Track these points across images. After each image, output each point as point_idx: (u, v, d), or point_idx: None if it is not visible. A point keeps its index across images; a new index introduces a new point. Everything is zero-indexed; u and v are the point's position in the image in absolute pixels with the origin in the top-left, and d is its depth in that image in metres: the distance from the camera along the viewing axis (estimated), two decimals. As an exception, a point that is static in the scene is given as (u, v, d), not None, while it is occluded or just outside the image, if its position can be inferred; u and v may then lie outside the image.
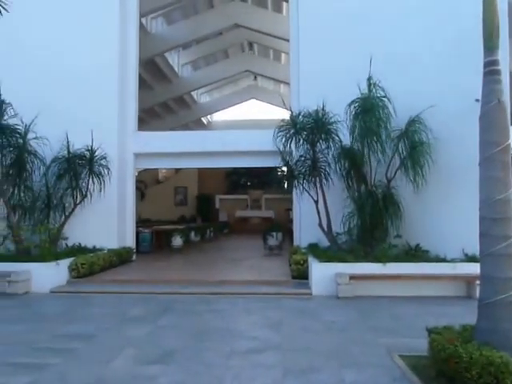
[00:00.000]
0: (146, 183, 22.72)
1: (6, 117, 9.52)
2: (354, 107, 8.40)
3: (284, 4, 15.72)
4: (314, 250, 8.82)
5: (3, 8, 6.42)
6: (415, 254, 8.25)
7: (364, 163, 8.35)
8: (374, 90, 8.37)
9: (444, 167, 8.67)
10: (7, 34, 10.20)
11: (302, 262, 8.26)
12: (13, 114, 9.48)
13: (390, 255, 7.88)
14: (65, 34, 10.64)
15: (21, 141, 9.56)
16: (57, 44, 10.61)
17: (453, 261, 7.77)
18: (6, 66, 9.79)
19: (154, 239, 13.82)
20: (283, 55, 21.07)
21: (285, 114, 9.39)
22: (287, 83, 16.72)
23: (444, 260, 7.87)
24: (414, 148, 8.21)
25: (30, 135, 9.65)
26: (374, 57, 8.32)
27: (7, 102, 9.50)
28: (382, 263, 7.53)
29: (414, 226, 8.59)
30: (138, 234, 12.39)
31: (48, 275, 8.09)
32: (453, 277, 7.39)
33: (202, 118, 28.34)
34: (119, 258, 10.26)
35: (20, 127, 9.58)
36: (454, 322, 4.10)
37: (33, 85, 10.33)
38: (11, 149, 9.55)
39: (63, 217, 9.90)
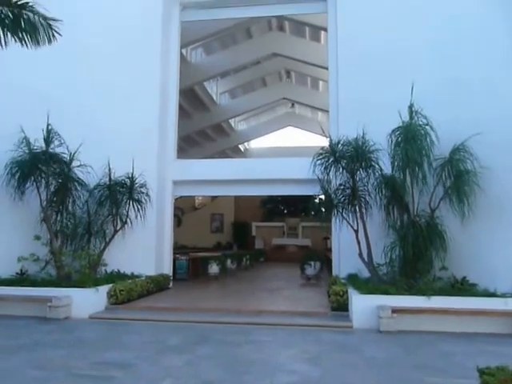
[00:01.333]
0: (182, 210, 22.96)
1: (52, 145, 9.89)
2: (395, 136, 8.25)
3: (322, 33, 15.87)
4: (354, 280, 8.58)
5: (56, 32, 6.72)
6: (462, 287, 7.86)
7: (406, 192, 8.12)
8: (415, 118, 8.22)
9: (493, 197, 8.30)
10: (58, 73, 10.71)
11: (341, 293, 8.00)
12: (60, 143, 9.85)
13: (434, 288, 7.53)
14: (111, 68, 10.95)
15: (65, 168, 9.87)
16: (102, 78, 10.90)
17: (504, 296, 7.35)
18: (57, 100, 10.33)
19: (191, 266, 13.83)
20: (321, 83, 21.17)
21: (322, 142, 9.33)
22: (325, 110, 16.75)
23: (494, 295, 7.44)
24: (458, 177, 7.93)
25: (75, 163, 9.93)
26: (415, 84, 8.22)
27: (55, 131, 9.90)
28: (426, 296, 7.20)
29: (460, 258, 8.22)
30: (174, 260, 12.44)
31: (87, 301, 8.16)
32: (504, 313, 6.97)
33: (240, 145, 28.65)
34: (157, 285, 10.28)
35: (65, 155, 9.89)
36: (507, 363, 3.82)
37: (79, 114, 10.66)
38: (56, 176, 9.87)
39: (103, 243, 10.04)
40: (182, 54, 14.40)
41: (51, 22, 6.51)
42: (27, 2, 6.30)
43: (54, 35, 6.59)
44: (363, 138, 8.45)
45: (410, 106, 8.27)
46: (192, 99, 19.13)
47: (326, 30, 11.93)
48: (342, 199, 8.79)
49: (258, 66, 20.20)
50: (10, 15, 6.12)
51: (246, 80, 21.86)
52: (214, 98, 21.52)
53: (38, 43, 6.44)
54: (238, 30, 16.41)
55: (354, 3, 9.98)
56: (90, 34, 10.89)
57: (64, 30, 6.73)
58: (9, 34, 6.16)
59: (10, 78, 10.65)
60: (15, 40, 6.15)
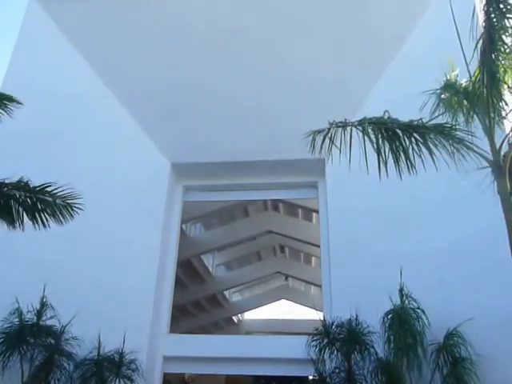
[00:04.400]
0: (171, 383, 21.45)
1: (44, 317, 9.82)
2: (388, 319, 8.34)
3: (314, 214, 16.99)
4: None
5: (76, 209, 7.07)
6: None
7: (403, 379, 7.88)
8: (406, 302, 8.40)
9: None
10: (59, 241, 11.16)
11: None
12: (52, 315, 9.78)
13: None
14: (111, 241, 11.32)
15: (54, 342, 9.63)
16: (102, 249, 11.23)
17: None
18: (56, 266, 10.60)
19: None
20: (313, 258, 21.83)
21: (316, 315, 9.35)
22: (318, 285, 16.98)
23: None
24: (455, 365, 7.77)
25: (65, 335, 9.72)
26: (404, 266, 8.56)
27: (48, 303, 9.91)
28: None
29: None
30: None
31: None
32: None
33: (233, 317, 28.12)
34: None
35: (56, 327, 9.73)
36: None
37: (74, 288, 10.77)
38: (43, 349, 9.57)
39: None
40: (181, 228, 15.21)
41: (70, 201, 6.89)
42: (46, 187, 6.89)
43: (71, 214, 7.05)
44: (357, 319, 8.53)
45: (400, 290, 8.51)
46: (189, 271, 19.44)
47: (317, 212, 12.87)
48: (338, 382, 8.48)
49: (254, 241, 21.08)
50: (29, 200, 6.64)
51: (242, 254, 22.57)
52: (210, 269, 21.92)
53: (56, 222, 6.86)
54: (236, 208, 17.60)
55: (343, 195, 10.93)
56: (92, 210, 11.46)
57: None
58: (25, 215, 6.65)
59: (10, 248, 10.94)
60: (33, 222, 6.60)
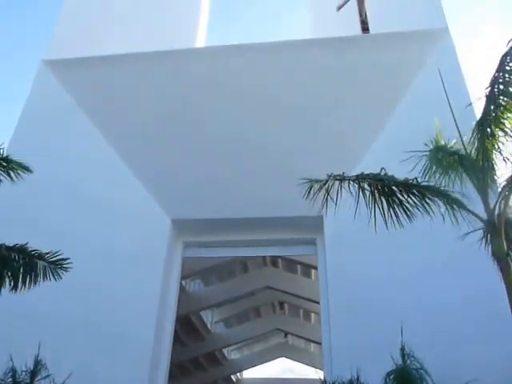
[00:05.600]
0: None
1: (38, 377, 9.59)
2: (390, 379, 8.19)
3: (313, 270, 16.95)
4: None
5: (63, 270, 7.21)
6: None
7: None
8: (408, 361, 8.28)
9: None
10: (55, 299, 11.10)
11: None
12: (46, 374, 9.56)
13: None
14: (108, 299, 11.22)
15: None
16: (99, 308, 11.12)
17: None
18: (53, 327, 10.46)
19: None
20: (313, 315, 21.51)
21: (316, 374, 9.13)
22: (318, 342, 16.64)
23: None
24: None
25: (59, 398, 9.46)
26: (405, 324, 8.50)
27: (43, 362, 9.71)
28: None
29: None
30: None
31: None
32: None
33: (232, 376, 27.30)
34: None
35: (51, 388, 9.49)
36: None
37: (71, 346, 10.60)
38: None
39: None
40: (181, 283, 15.12)
41: (59, 264, 7.15)
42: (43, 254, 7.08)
43: (59, 275, 7.19)
44: (358, 380, 8.36)
45: (402, 349, 8.40)
46: (187, 327, 19.13)
47: (316, 268, 12.88)
48: None
49: (253, 297, 20.86)
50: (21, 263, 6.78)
51: (241, 310, 22.27)
52: (209, 326, 21.54)
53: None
54: (235, 264, 17.58)
55: (342, 252, 11.00)
56: (91, 265, 11.35)
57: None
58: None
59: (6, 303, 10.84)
60: (23, 283, 6.69)
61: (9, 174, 6.44)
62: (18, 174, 6.41)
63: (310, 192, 6.07)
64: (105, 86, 12.83)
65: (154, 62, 12.88)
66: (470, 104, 6.16)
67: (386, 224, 5.96)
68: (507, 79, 5.51)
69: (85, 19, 14.96)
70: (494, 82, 5.52)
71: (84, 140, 12.60)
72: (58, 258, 7.20)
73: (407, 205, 6.02)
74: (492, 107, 5.67)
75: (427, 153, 7.13)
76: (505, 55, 5.42)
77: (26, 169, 6.41)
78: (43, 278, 7.08)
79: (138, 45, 14.07)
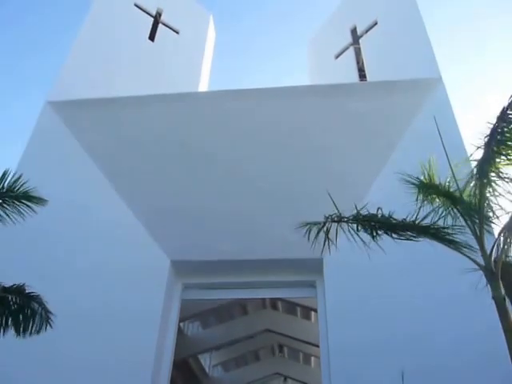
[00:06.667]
0: None
1: None
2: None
3: (312, 313, 16.76)
4: None
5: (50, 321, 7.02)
6: None
7: None
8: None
9: None
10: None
11: None
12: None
13: None
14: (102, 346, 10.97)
15: None
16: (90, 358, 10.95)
17: None
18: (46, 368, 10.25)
19: None
20: (313, 358, 21.09)
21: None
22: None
23: None
24: None
25: None
26: (406, 367, 8.36)
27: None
28: None
29: None
30: None
31: None
32: None
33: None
34: None
35: None
36: None
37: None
38: None
39: None
40: (179, 326, 14.89)
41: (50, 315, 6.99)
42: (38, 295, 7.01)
43: (49, 324, 7.01)
44: None
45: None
46: (185, 371, 18.68)
47: (316, 311, 12.75)
48: None
49: (252, 340, 20.51)
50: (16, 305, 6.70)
51: (240, 353, 21.84)
52: (207, 370, 21.05)
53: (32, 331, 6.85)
54: (235, 306, 17.39)
55: (342, 295, 10.94)
56: (88, 304, 11.14)
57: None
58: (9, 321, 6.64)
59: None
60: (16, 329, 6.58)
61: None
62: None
63: (309, 234, 6.16)
64: (108, 128, 13.11)
65: (156, 104, 13.22)
66: (470, 157, 6.25)
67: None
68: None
69: (90, 62, 15.43)
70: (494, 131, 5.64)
71: (85, 181, 12.75)
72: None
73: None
74: (490, 155, 5.80)
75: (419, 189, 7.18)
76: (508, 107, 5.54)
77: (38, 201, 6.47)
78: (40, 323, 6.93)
79: (141, 87, 14.48)
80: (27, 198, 6.59)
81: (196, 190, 12.27)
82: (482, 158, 5.94)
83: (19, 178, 6.63)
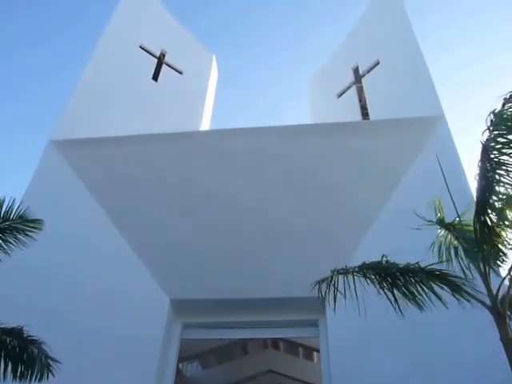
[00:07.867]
0: None
1: None
2: None
3: (315, 353, 16.38)
4: None
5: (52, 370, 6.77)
6: None
7: None
8: None
9: None
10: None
11: None
12: None
13: None
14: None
15: None
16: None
17: None
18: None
19: None
20: (316, 401, 20.44)
21: None
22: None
23: None
24: None
25: None
26: None
27: None
28: None
29: None
30: None
31: None
32: None
33: None
34: None
35: None
36: None
37: None
38: None
39: None
40: (177, 367, 14.50)
41: (51, 362, 6.77)
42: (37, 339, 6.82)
43: (51, 373, 6.78)
44: None
45: None
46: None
47: (318, 351, 12.44)
48: None
49: (253, 381, 19.90)
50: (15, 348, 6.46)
51: (240, 395, 21.17)
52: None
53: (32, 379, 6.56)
54: (235, 346, 17.00)
55: (345, 334, 10.70)
56: (84, 343, 11.01)
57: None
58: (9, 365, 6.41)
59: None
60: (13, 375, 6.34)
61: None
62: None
63: (318, 290, 6.25)
64: (110, 166, 13.24)
65: (158, 143, 13.39)
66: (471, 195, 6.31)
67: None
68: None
69: (94, 100, 15.69)
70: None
71: (87, 218, 12.76)
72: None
73: (409, 291, 6.06)
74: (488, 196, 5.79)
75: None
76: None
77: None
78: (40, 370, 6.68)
79: (144, 126, 14.69)
80: (23, 222, 6.55)
81: (197, 228, 12.25)
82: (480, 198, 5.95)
83: (13, 203, 6.61)
